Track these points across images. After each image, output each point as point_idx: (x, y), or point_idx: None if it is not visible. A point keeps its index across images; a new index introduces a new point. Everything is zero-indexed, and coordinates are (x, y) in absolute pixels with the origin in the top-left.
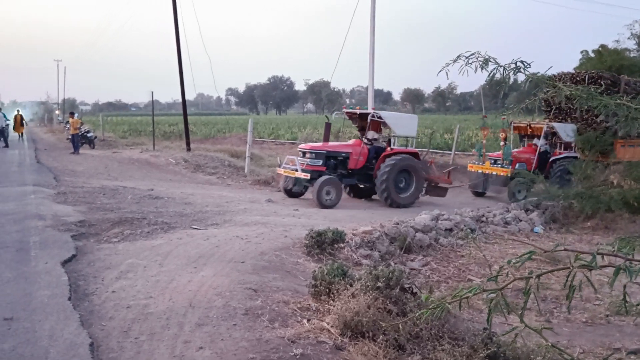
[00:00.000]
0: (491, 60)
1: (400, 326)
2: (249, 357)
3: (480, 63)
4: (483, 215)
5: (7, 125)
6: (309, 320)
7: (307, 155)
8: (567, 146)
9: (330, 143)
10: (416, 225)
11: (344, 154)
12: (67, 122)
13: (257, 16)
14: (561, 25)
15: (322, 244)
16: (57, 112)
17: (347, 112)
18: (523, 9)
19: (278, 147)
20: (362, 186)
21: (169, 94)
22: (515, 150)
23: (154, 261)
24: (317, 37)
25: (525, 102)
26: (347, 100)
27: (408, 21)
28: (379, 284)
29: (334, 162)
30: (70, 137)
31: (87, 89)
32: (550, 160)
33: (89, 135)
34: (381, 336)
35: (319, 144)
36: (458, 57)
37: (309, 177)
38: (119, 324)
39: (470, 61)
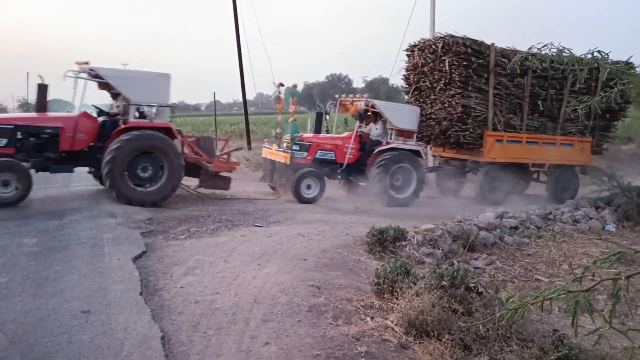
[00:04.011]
0: (565, 50)
1: (469, 326)
2: (314, 354)
3: (555, 53)
4: (550, 213)
5: None
6: (372, 318)
7: None
8: (407, 134)
9: (40, 115)
10: (480, 223)
11: (50, 130)
12: None
13: (315, 15)
14: None
15: (384, 241)
16: None
17: (80, 67)
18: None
19: None
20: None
21: (230, 94)
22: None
23: (219, 258)
24: (376, 34)
25: (600, 94)
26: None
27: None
28: (444, 283)
29: (34, 141)
30: None
31: None
32: (376, 151)
33: None
34: (447, 336)
35: (17, 115)
36: (530, 48)
37: None
38: (188, 319)
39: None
